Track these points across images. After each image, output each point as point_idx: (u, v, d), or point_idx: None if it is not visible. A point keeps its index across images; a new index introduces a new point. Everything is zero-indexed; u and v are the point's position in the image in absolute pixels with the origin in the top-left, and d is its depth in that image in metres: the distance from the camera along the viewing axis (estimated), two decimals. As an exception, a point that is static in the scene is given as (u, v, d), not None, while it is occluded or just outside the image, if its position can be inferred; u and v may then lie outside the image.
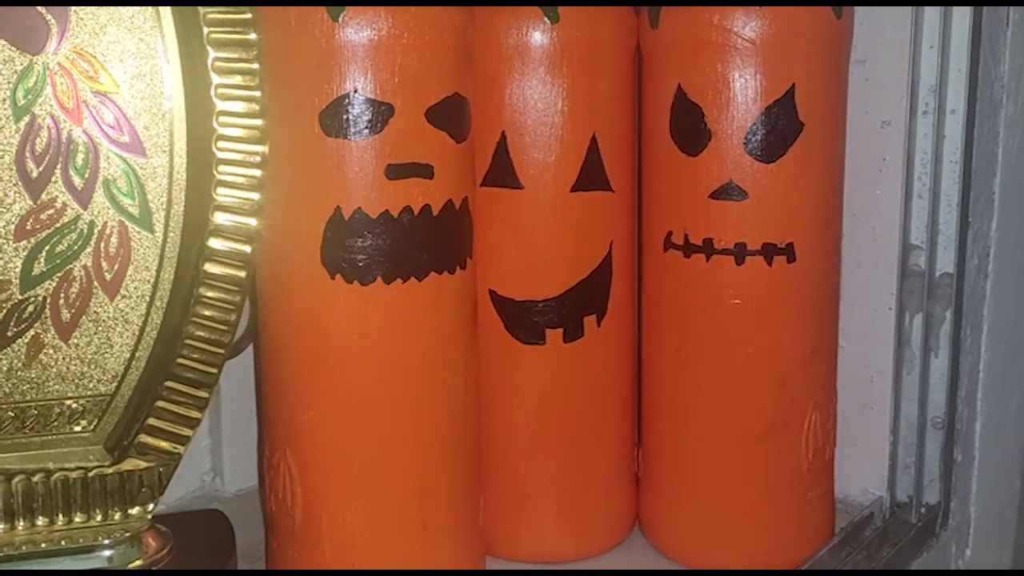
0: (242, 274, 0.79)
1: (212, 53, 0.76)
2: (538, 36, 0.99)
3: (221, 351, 0.80)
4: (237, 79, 0.77)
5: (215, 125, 0.77)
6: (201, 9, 0.76)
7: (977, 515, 1.23)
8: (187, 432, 0.82)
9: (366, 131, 0.87)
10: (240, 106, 0.77)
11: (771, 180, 0.98)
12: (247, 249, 0.79)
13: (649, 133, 1.04)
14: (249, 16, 0.77)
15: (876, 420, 1.19)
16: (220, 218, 0.78)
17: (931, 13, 1.08)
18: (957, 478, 1.19)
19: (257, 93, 0.77)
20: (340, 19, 0.84)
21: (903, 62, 1.10)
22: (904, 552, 1.12)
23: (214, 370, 0.80)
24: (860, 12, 1.09)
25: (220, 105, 0.77)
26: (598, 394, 1.07)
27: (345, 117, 0.86)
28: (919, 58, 1.10)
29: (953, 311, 1.12)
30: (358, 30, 0.85)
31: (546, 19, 0.98)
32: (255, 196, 0.78)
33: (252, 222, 0.79)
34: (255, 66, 0.77)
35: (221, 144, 0.77)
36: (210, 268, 0.79)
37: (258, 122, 0.78)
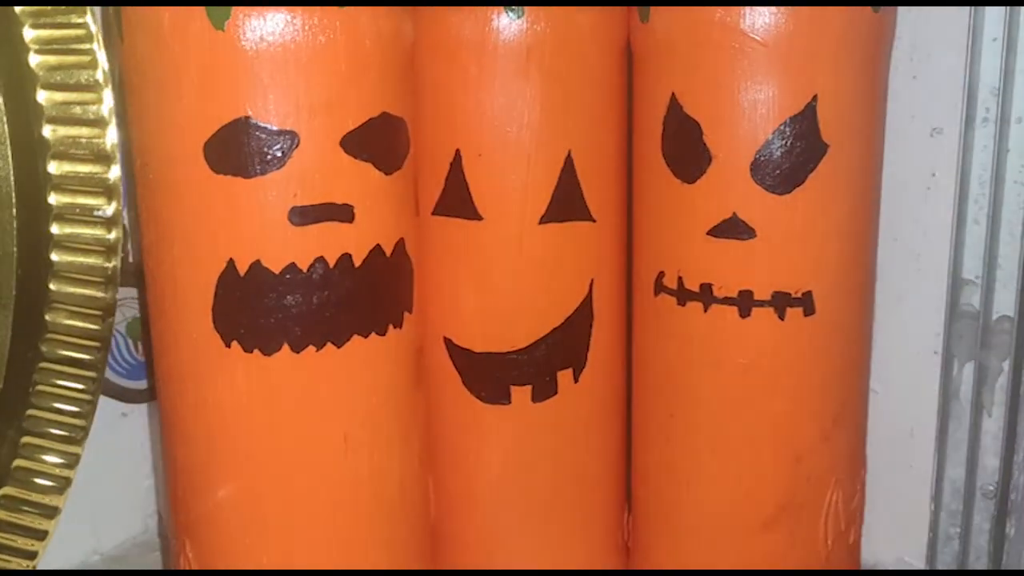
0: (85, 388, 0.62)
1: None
2: (498, 33, 0.80)
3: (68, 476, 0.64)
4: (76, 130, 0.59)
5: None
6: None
7: (1031, 593, 1.04)
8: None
9: (264, 166, 0.69)
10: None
11: (785, 215, 0.79)
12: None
13: (640, 152, 0.85)
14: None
15: (916, 481, 1.00)
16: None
17: (996, -3, 0.87)
18: (1008, 554, 1.00)
19: (98, 169, 0.59)
20: (224, 26, 0.66)
21: (959, 58, 0.90)
22: (944, 645, 0.95)
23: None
24: (907, -6, 0.88)
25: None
26: (576, 460, 0.90)
27: (236, 149, 0.68)
28: (979, 53, 0.89)
29: (1012, 362, 0.92)
30: (248, 38, 0.67)
31: (509, 13, 0.79)
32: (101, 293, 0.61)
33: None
34: (101, 109, 0.59)
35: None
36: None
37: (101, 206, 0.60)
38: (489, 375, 0.86)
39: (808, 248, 0.79)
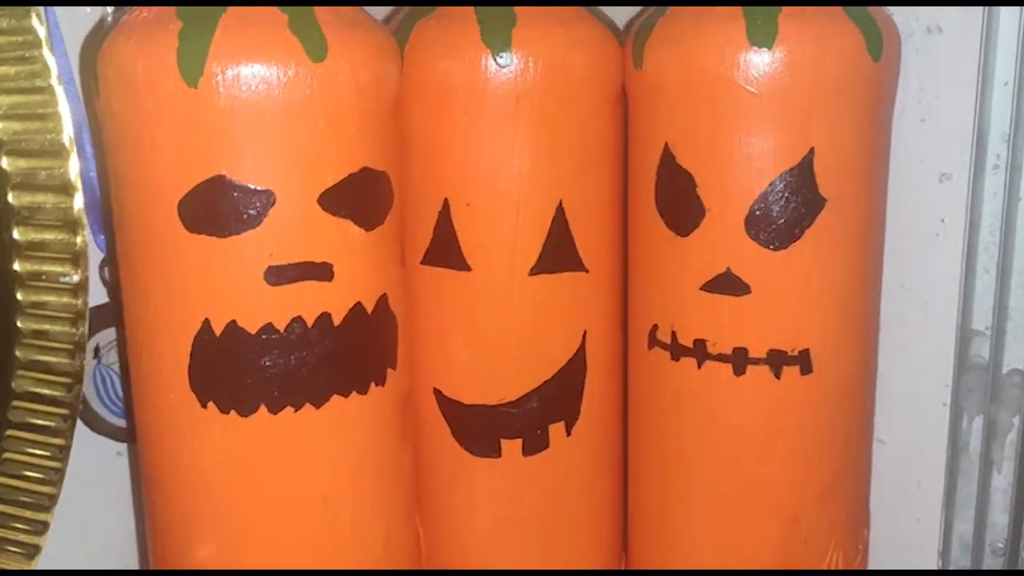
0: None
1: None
2: (487, 80, 0.77)
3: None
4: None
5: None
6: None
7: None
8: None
9: (239, 225, 0.67)
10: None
11: (781, 271, 0.76)
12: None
13: (634, 202, 0.83)
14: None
15: (923, 534, 0.97)
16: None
17: (1006, 41, 0.84)
18: (1021, 613, 0.96)
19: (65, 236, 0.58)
20: (198, 83, 0.65)
21: (968, 101, 0.86)
22: None
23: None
24: (916, 37, 0.85)
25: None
26: (569, 515, 0.87)
27: (211, 208, 0.67)
28: (989, 97, 0.85)
29: (1022, 418, 0.89)
30: (222, 95, 0.65)
31: (497, 60, 0.77)
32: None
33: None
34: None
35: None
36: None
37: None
38: (479, 428, 0.84)
39: (805, 305, 0.77)
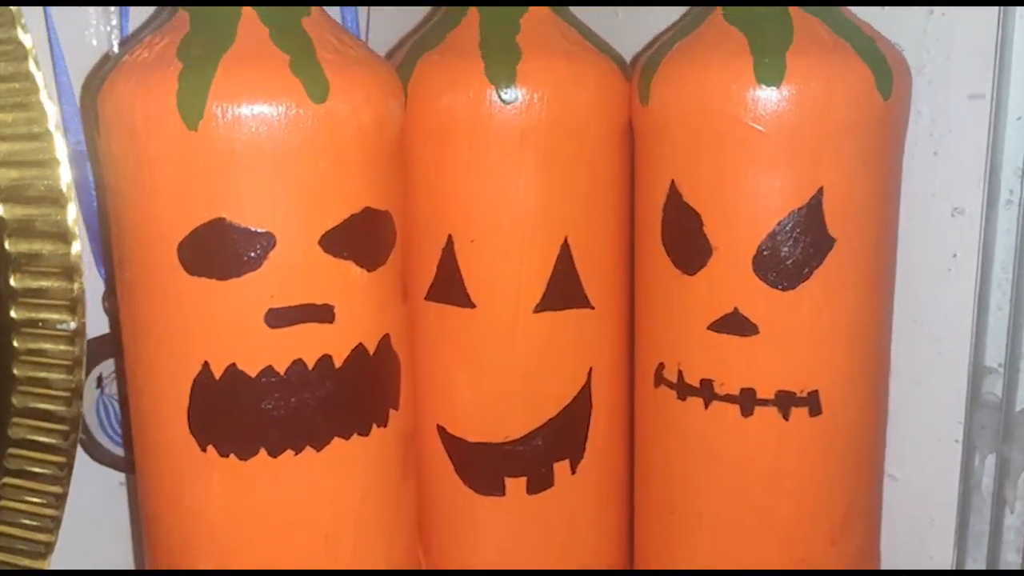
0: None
1: None
2: (491, 115, 0.77)
3: None
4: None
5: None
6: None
7: None
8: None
9: (239, 268, 0.66)
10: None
11: (789, 312, 0.75)
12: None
13: (640, 239, 0.82)
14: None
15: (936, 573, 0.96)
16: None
17: (1019, 75, 0.82)
18: (1035, 654, 0.95)
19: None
20: (198, 127, 0.64)
21: (981, 135, 0.85)
22: None
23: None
24: (928, 70, 0.84)
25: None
26: (574, 554, 0.86)
27: (211, 251, 0.66)
28: (1002, 132, 0.84)
29: (1036, 458, 0.88)
30: (222, 138, 0.64)
31: (500, 95, 0.76)
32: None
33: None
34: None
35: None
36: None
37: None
38: (483, 465, 0.83)
39: (814, 346, 0.75)
